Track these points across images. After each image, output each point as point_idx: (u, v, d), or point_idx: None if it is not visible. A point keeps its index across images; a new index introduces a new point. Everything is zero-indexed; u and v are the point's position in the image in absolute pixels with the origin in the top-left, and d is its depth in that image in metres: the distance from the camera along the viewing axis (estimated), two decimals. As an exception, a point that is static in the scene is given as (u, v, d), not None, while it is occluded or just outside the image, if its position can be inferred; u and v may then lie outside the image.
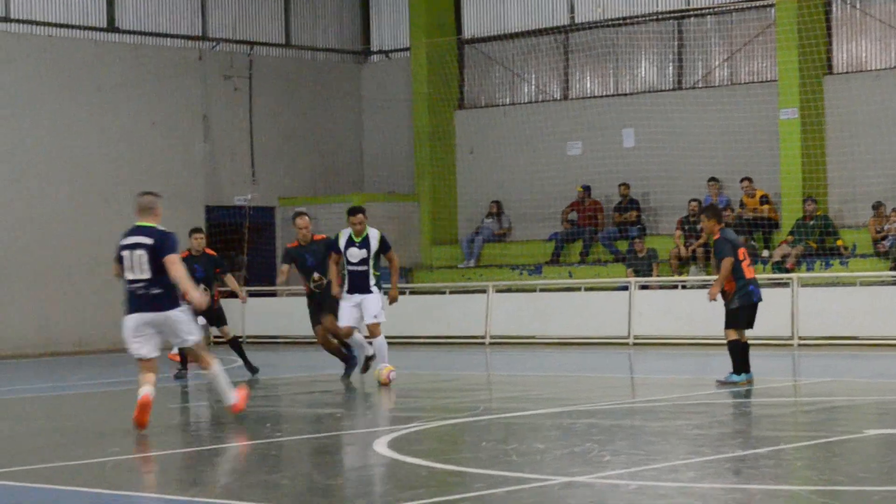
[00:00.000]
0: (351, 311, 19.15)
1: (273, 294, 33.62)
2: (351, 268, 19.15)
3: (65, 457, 12.92)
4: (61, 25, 31.11)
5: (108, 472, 11.74)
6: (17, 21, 30.59)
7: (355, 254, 19.08)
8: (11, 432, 15.47)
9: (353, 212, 19.51)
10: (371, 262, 19.17)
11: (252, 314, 32.06)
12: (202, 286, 20.16)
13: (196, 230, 21.94)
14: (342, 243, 19.20)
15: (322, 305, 19.87)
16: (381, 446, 12.31)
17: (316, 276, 19.79)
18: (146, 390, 13.91)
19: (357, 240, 19.14)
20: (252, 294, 32.71)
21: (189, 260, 19.85)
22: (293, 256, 20.36)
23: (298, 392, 19.56)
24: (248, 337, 31.61)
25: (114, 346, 27.60)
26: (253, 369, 21.50)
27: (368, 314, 19.05)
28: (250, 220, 33.99)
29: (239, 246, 34.03)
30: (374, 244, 19.19)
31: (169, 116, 32.66)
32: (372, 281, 19.13)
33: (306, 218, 20.40)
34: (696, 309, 26.46)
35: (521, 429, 13.82)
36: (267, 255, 34.81)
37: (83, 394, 20.16)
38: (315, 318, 20.06)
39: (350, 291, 19.18)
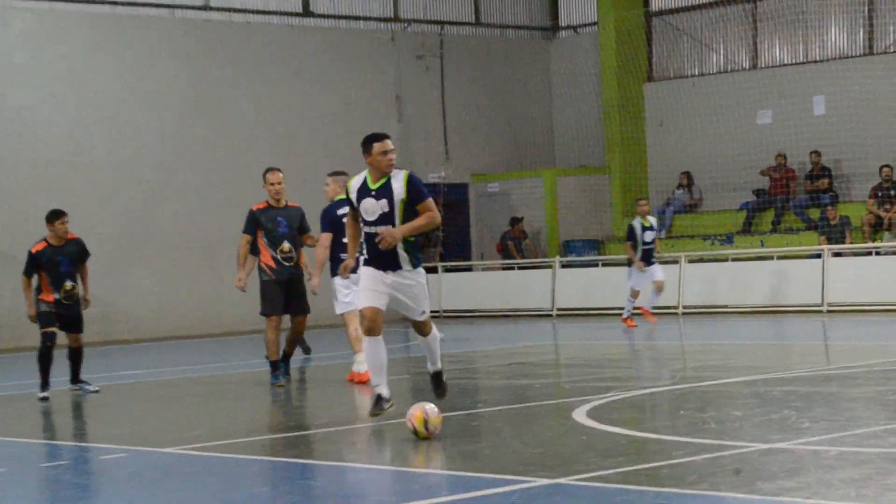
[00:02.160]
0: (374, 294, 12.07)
1: (469, 269, 33.85)
2: (369, 229, 12.10)
3: (275, 430, 13.27)
4: (258, 12, 31.58)
5: (320, 444, 12.04)
6: (217, 9, 31.09)
7: (371, 206, 12.06)
8: (223, 409, 15.86)
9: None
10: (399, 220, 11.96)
11: (448, 289, 32.38)
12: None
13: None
14: (354, 194, 12.24)
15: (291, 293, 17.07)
16: (580, 416, 12.37)
17: (286, 245, 16.80)
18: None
19: (373, 186, 12.06)
20: (448, 269, 33.03)
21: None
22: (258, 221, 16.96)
23: (495, 364, 19.62)
24: (444, 311, 31.91)
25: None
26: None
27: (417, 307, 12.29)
28: (444, 197, 34.13)
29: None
30: (398, 188, 12.00)
31: (363, 97, 32.93)
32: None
33: (279, 174, 17.20)
34: (890, 275, 26.17)
35: (717, 397, 13.73)
36: (462, 231, 34.95)
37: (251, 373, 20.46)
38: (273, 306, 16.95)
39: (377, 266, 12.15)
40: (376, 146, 12.12)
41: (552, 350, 20.67)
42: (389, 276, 11.98)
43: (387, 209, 11.91)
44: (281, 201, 16.94)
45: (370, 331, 11.80)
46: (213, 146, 30.20)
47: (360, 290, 12.11)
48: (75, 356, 17.27)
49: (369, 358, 12.07)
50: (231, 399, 16.77)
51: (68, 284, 16.69)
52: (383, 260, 11.96)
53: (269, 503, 9.12)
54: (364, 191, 12.07)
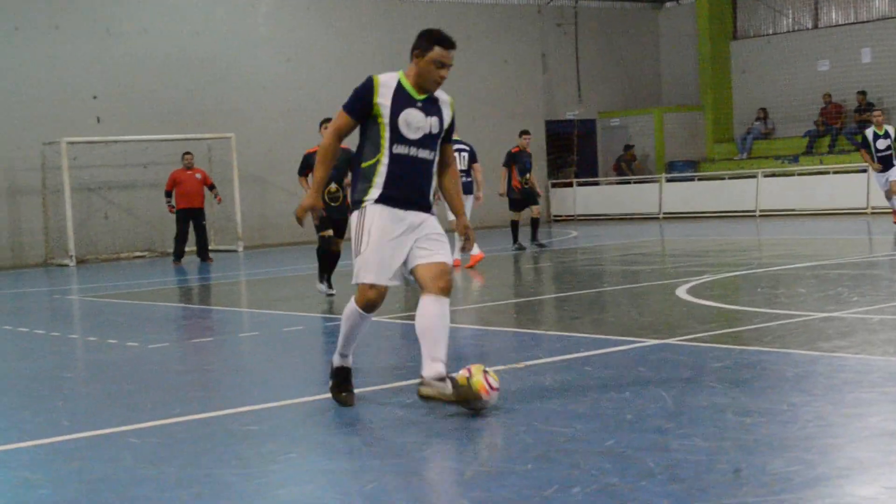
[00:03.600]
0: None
1: (596, 183, 33.89)
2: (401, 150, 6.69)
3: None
4: (438, -7, 31.56)
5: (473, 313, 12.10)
6: (407, -9, 31.16)
7: (418, 119, 6.71)
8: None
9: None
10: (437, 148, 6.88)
11: (580, 198, 32.55)
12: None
13: (524, 132, 21.23)
14: (388, 98, 6.76)
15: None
16: (682, 293, 12.32)
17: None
18: None
19: (418, 97, 6.78)
20: (580, 184, 33.05)
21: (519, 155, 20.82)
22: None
23: (618, 254, 19.59)
24: (578, 215, 32.02)
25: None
26: None
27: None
28: (577, 130, 34.11)
29: (570, 149, 34.23)
30: (447, 115, 6.89)
31: (517, 56, 32.86)
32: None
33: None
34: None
35: (786, 278, 13.58)
36: (591, 155, 34.96)
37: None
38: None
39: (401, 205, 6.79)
40: (437, 51, 6.73)
41: (659, 244, 20.48)
42: (410, 216, 6.58)
43: (437, 130, 6.72)
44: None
45: (370, 308, 6.68)
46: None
47: (370, 250, 6.53)
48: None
49: (348, 330, 6.84)
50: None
51: (332, 187, 13.45)
52: (410, 196, 6.62)
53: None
54: (406, 98, 6.72)
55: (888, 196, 21.13)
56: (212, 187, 23.66)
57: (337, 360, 7.08)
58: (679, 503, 4.56)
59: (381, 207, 6.61)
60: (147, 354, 9.95)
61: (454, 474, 5.18)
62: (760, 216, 28.49)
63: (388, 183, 6.62)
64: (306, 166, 13.86)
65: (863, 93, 30.13)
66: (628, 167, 33.74)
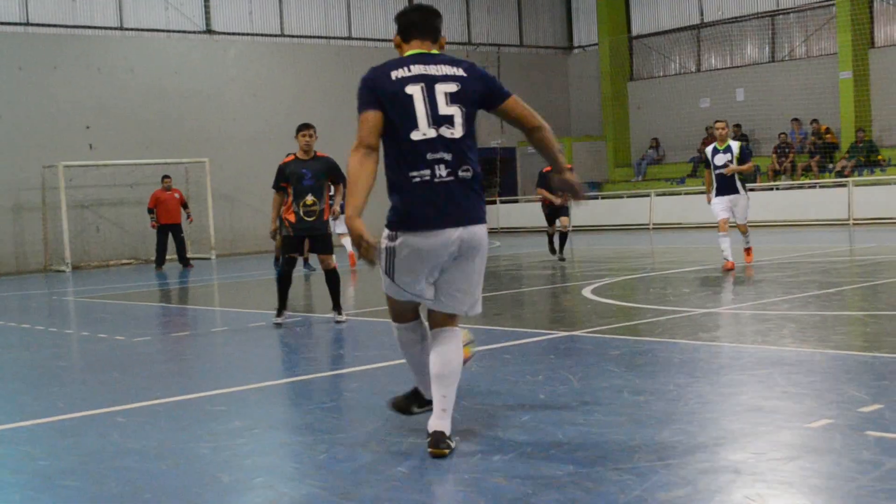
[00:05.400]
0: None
1: (516, 201, 33.94)
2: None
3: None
4: (381, 40, 31.41)
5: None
6: (333, 38, 31.05)
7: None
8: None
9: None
10: None
11: (503, 214, 32.50)
12: None
13: None
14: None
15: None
16: (587, 293, 12.38)
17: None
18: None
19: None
20: (503, 201, 33.07)
21: None
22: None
23: (533, 261, 19.61)
24: (501, 228, 31.97)
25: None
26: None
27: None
28: (500, 156, 34.17)
29: (494, 172, 34.33)
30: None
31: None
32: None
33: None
34: (782, 202, 26.03)
35: (674, 280, 13.69)
36: (511, 178, 35.06)
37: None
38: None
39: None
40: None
41: (569, 252, 20.52)
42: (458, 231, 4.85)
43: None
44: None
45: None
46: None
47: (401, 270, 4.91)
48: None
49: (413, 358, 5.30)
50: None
51: (309, 199, 10.43)
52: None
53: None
54: None
55: (724, 229, 14.47)
56: (185, 206, 23.57)
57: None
58: (583, 467, 4.60)
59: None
60: (132, 346, 9.84)
61: (395, 446, 5.18)
62: (653, 229, 28.71)
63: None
64: (282, 178, 10.56)
65: (738, 125, 30.49)
66: (549, 189, 33.96)
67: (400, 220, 4.84)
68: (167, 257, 23.54)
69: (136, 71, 26.78)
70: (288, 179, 10.54)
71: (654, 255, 19.77)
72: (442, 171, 4.79)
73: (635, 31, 34.44)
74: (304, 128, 10.60)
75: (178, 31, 27.87)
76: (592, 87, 35.35)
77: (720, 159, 14.32)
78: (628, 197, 31.24)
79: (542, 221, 19.57)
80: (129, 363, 8.83)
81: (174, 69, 27.44)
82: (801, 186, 27.45)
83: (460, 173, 4.83)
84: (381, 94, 4.82)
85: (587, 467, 4.59)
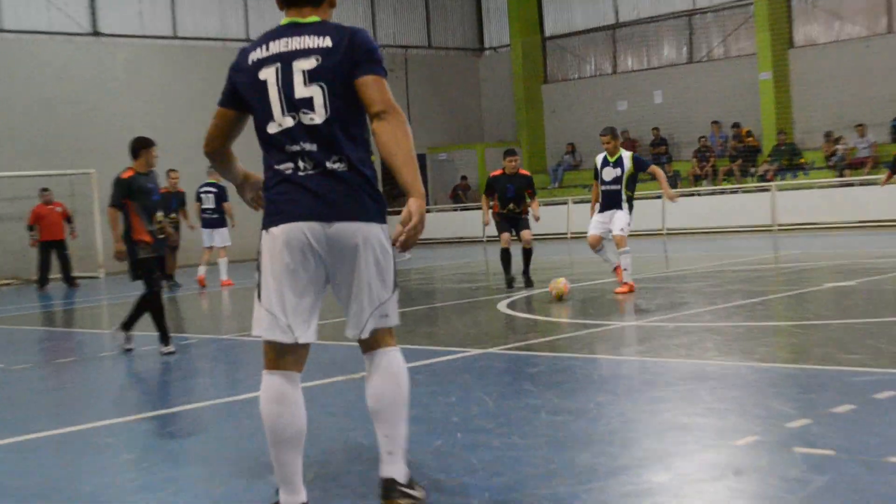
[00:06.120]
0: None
1: (429, 211, 33.95)
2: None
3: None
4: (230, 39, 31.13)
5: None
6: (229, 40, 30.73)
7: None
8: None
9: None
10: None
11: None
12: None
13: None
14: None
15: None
16: (502, 307, 12.38)
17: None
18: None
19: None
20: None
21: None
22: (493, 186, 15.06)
23: (446, 274, 19.58)
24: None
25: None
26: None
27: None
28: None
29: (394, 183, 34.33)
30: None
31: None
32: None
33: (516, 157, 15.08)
34: (703, 208, 26.45)
35: (593, 292, 13.73)
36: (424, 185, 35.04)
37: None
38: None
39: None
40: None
41: (483, 264, 20.54)
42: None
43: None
44: (513, 170, 14.93)
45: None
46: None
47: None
48: None
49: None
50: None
51: (158, 215, 10.31)
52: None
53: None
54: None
55: (595, 246, 13.82)
56: (69, 220, 23.11)
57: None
58: (499, 495, 4.56)
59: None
60: (12, 374, 9.56)
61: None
62: (571, 238, 28.90)
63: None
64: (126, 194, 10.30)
65: (657, 128, 30.96)
66: (464, 195, 34.23)
67: (264, 218, 4.31)
68: (52, 276, 23.02)
69: (15, 76, 26.18)
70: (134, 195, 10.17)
71: (573, 265, 19.88)
72: (306, 163, 4.21)
73: (549, 31, 34.77)
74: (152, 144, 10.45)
75: (62, 34, 27.33)
76: (505, 89, 35.58)
77: (609, 173, 13.47)
78: (545, 205, 31.38)
79: (455, 231, 19.17)
80: (8, 393, 8.57)
81: (57, 74, 26.89)
82: (722, 192, 27.94)
83: (329, 165, 4.20)
84: (238, 83, 4.37)
85: (503, 494, 4.55)
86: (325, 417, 6.34)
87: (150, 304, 10.34)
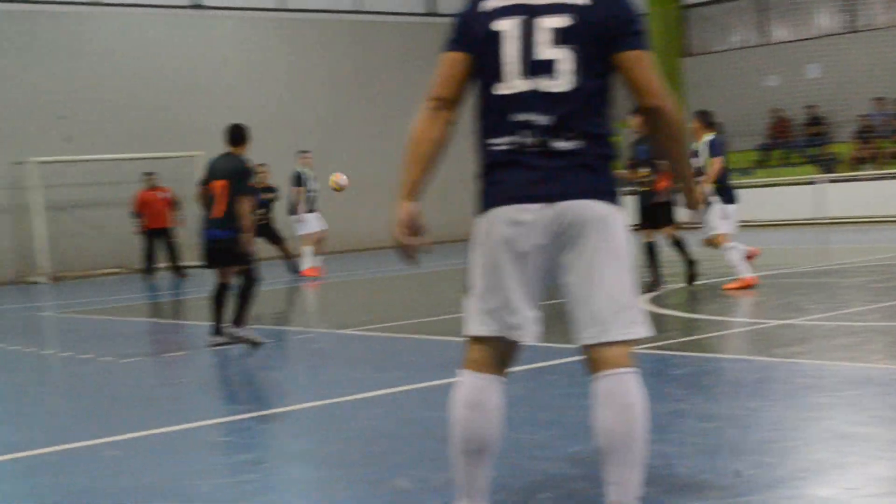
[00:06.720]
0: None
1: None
2: None
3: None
4: (341, 10, 31.30)
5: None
6: (330, 11, 31.01)
7: None
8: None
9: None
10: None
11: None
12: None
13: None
14: None
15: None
16: (643, 302, 12.29)
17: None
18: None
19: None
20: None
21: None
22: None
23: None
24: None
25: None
26: None
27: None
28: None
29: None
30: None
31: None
32: None
33: None
34: (865, 194, 25.95)
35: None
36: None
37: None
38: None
39: None
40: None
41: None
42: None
43: None
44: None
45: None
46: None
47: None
48: None
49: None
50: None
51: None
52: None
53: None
54: None
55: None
56: (176, 206, 23.54)
57: None
58: (645, 506, 4.58)
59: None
60: (120, 368, 9.88)
61: (427, 481, 5.17)
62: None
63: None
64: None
65: (811, 106, 30.38)
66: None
67: (479, 201, 4.00)
68: (162, 265, 23.58)
69: (115, 52, 26.89)
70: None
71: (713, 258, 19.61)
72: (533, 138, 3.86)
73: (690, -1, 34.43)
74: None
75: (163, 6, 27.96)
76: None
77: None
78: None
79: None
80: (117, 387, 8.87)
81: (158, 50, 27.55)
82: (888, 176, 27.27)
83: (557, 144, 3.85)
84: (469, 30, 3.99)
85: (651, 505, 4.57)
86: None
87: (250, 291, 10.65)
